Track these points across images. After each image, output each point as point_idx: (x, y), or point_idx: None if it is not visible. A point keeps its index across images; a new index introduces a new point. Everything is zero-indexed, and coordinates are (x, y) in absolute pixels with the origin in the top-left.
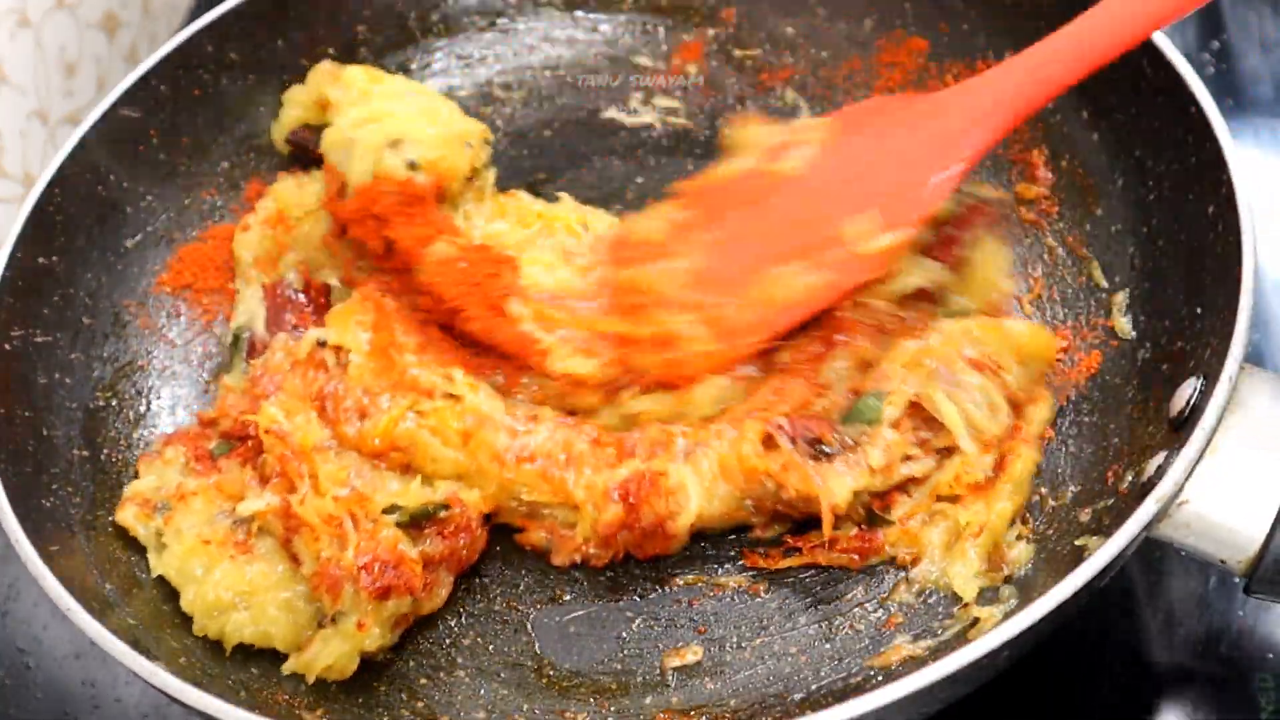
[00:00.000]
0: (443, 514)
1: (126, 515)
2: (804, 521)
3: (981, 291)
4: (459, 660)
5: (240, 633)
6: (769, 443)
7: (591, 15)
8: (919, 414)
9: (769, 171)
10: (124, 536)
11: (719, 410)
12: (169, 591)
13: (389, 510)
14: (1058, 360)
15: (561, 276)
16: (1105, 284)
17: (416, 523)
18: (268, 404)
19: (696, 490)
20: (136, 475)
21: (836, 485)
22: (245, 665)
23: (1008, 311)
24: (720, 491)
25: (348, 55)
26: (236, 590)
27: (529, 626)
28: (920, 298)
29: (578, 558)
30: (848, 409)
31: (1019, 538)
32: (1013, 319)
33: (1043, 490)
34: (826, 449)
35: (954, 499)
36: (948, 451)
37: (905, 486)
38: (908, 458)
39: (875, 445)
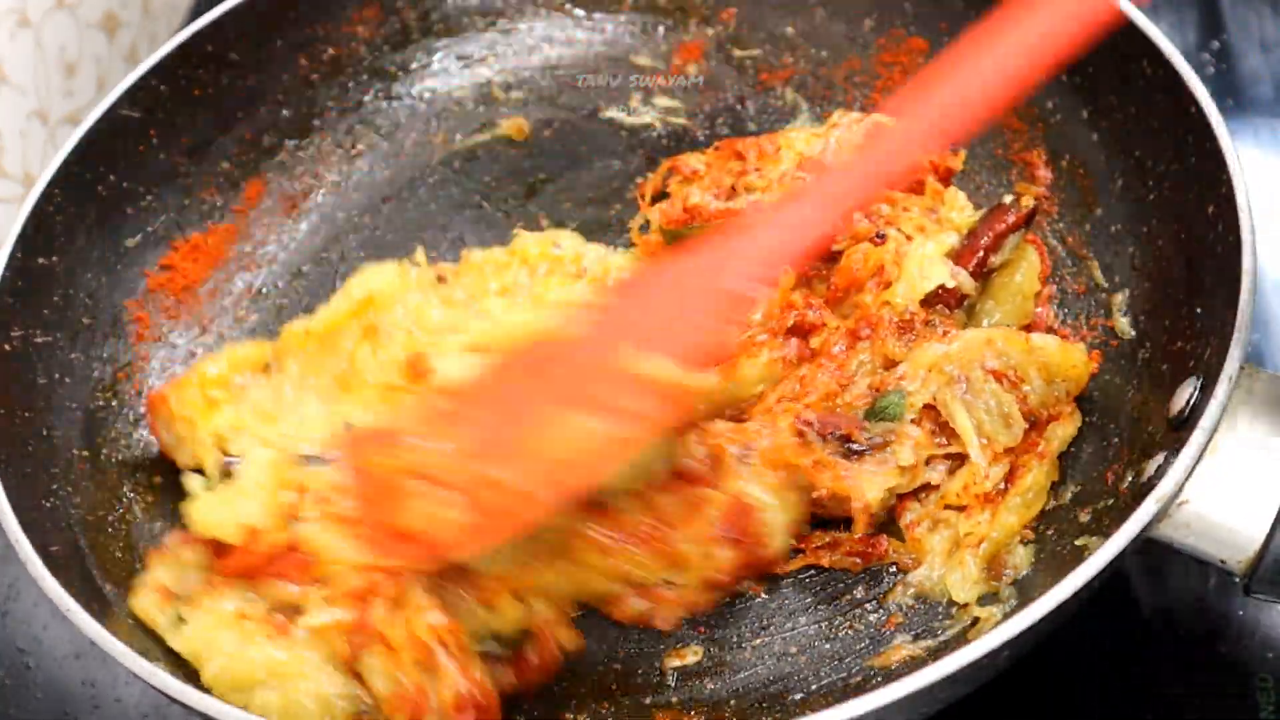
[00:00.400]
0: (527, 641)
1: (143, 603)
2: (812, 522)
3: (1011, 301)
4: None
5: (265, 710)
6: (799, 437)
7: (591, 15)
8: (934, 419)
9: (544, 339)
10: (125, 536)
11: (759, 391)
12: None
13: (481, 638)
14: None
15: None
16: (1105, 284)
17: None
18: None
19: (770, 501)
20: (144, 567)
21: (869, 485)
22: None
23: (1040, 323)
24: (791, 500)
25: (348, 54)
26: (269, 668)
27: None
28: (945, 301)
29: (684, 613)
30: (870, 405)
31: (1020, 540)
32: (1044, 334)
33: None
34: (855, 447)
35: (961, 508)
36: (959, 459)
37: (917, 493)
38: (930, 459)
39: (903, 444)
